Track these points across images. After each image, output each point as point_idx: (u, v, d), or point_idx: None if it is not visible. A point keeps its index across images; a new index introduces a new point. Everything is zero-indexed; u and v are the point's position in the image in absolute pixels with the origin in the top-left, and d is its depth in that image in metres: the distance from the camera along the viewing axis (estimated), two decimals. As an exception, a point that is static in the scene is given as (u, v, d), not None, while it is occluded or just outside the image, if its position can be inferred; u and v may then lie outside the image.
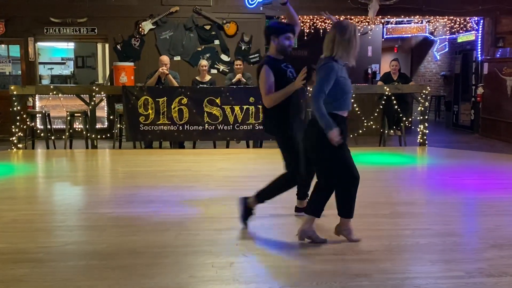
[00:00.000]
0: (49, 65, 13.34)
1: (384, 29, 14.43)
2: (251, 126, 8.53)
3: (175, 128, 8.44)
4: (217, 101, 8.43)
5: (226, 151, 8.65)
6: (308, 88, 6.95)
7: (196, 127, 8.48)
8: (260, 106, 8.50)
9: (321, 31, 11.90)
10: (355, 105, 8.72)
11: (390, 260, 3.54)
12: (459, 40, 13.01)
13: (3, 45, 11.02)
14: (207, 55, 10.71)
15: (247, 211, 4.21)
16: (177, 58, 10.70)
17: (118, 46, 10.65)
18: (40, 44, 11.33)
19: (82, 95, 8.77)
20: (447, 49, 14.18)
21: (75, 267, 3.43)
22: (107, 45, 11.06)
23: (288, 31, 4.18)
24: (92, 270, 3.37)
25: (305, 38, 12.15)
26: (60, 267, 3.42)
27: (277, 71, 4.13)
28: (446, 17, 11.88)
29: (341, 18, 11.77)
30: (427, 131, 8.95)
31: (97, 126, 8.96)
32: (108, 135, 9.28)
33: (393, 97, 8.79)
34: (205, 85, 8.77)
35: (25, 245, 3.83)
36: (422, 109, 8.95)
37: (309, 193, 4.13)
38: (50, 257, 3.59)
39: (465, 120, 12.31)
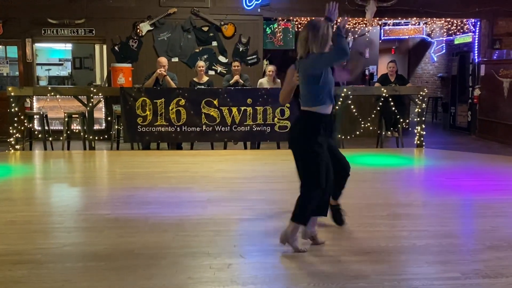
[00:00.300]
0: (46, 66, 13.34)
1: (382, 30, 14.46)
2: (248, 127, 8.55)
3: (172, 129, 8.44)
4: (215, 102, 8.44)
5: (224, 152, 8.66)
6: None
7: (193, 129, 8.48)
8: (257, 108, 8.53)
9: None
10: (352, 107, 8.75)
11: (387, 262, 3.56)
12: (456, 42, 13.04)
13: (0, 46, 11.00)
14: (205, 56, 10.72)
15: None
16: (175, 59, 10.72)
17: (116, 47, 10.66)
18: (37, 45, 11.32)
19: (79, 96, 8.77)
20: (444, 51, 14.23)
21: (73, 268, 3.44)
22: (104, 46, 11.06)
23: None
24: (90, 271, 3.38)
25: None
26: (58, 269, 3.42)
27: None
28: (443, 19, 11.91)
29: (339, 20, 11.83)
30: (424, 133, 8.98)
31: (94, 127, 8.96)
32: (106, 136, 9.28)
33: (390, 99, 8.81)
34: (202, 86, 8.78)
35: (23, 246, 3.83)
36: (419, 110, 8.97)
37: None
38: (48, 259, 3.59)
39: (462, 122, 12.34)
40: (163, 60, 8.71)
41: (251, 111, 8.51)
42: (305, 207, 3.70)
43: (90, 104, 8.62)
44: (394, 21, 13.33)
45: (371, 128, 9.15)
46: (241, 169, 7.06)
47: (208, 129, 8.48)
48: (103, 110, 10.54)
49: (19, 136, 8.66)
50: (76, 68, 12.76)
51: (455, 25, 12.25)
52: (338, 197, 4.35)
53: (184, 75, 10.06)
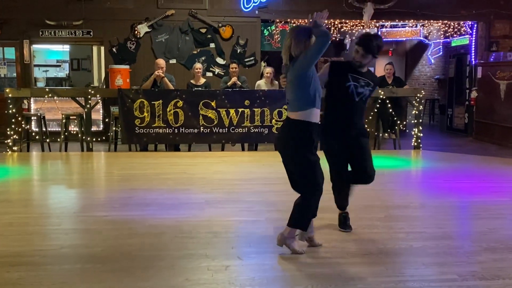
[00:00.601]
0: (44, 67, 13.32)
1: (379, 32, 14.48)
2: (246, 129, 8.56)
3: (170, 131, 8.45)
4: (213, 104, 8.45)
5: (222, 154, 8.66)
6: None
7: (191, 130, 8.49)
8: (255, 109, 8.54)
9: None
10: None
11: (384, 263, 3.57)
12: (453, 44, 13.08)
13: (-2, 47, 11.01)
14: (203, 58, 10.73)
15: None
16: (173, 61, 10.72)
17: (114, 49, 10.66)
18: (35, 46, 11.31)
19: (77, 98, 8.77)
20: (441, 53, 14.26)
21: (71, 270, 3.44)
22: (102, 48, 11.06)
23: (356, 43, 4.20)
24: (88, 273, 3.38)
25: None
26: (56, 270, 3.42)
27: (338, 74, 4.10)
28: (440, 21, 11.96)
29: (337, 22, 11.86)
30: (421, 135, 9.00)
31: (92, 129, 8.95)
32: (104, 138, 9.28)
33: (387, 101, 8.83)
34: (199, 89, 8.79)
35: (21, 248, 3.83)
36: (417, 112, 9.00)
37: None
38: (46, 260, 3.59)
39: (459, 124, 12.38)
40: (161, 61, 8.71)
41: (249, 112, 8.52)
42: (306, 213, 3.71)
43: (88, 106, 8.61)
44: (392, 23, 13.37)
45: (368, 129, 9.13)
46: (239, 171, 7.07)
47: (205, 130, 8.49)
48: (101, 111, 10.54)
49: (17, 137, 8.64)
50: (74, 70, 12.76)
51: (452, 27, 12.29)
52: (345, 208, 4.35)
53: (182, 77, 10.06)
